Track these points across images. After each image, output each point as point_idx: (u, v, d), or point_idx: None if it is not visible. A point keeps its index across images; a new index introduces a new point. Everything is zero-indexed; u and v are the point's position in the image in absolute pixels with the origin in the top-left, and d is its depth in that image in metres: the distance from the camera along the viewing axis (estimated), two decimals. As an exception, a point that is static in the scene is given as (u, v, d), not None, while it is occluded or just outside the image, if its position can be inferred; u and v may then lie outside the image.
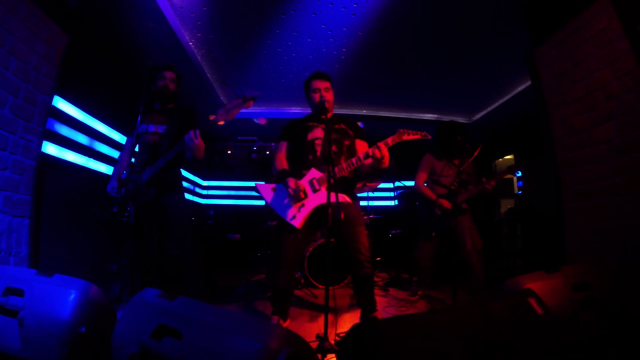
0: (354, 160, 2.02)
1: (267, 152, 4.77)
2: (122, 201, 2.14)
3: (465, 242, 2.68)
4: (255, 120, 2.00)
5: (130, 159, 2.26)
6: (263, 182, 2.29)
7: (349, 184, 2.17)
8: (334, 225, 2.04)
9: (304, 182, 2.07)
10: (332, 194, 1.73)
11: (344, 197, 2.02)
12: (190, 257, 2.18)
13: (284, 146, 2.27)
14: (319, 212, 2.03)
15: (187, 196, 5.21)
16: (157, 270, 2.19)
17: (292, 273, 2.11)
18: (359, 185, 3.74)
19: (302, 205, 2.03)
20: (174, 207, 2.22)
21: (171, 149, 2.07)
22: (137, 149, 2.27)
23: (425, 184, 3.02)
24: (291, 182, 2.02)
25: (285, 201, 2.07)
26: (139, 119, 1.94)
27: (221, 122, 1.94)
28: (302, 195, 2.02)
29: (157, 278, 2.18)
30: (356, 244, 2.07)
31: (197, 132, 1.98)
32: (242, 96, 1.92)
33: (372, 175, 2.31)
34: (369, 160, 1.99)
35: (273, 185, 2.16)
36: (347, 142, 2.18)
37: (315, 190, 2.05)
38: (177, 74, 2.34)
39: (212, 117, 1.95)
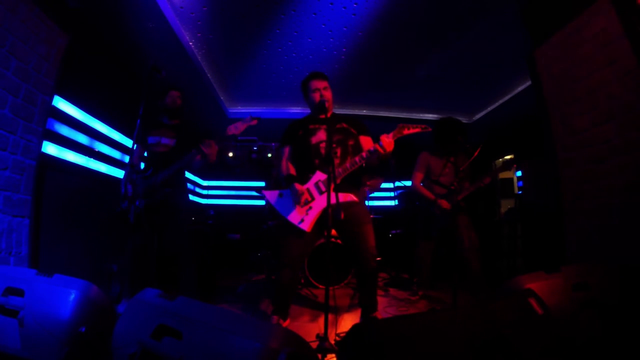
0: (357, 159, 2.02)
1: (269, 155, 4.80)
2: (130, 200, 2.21)
3: (462, 241, 2.69)
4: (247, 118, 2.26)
5: (138, 164, 2.48)
6: (264, 184, 2.38)
7: (354, 182, 2.16)
8: (338, 225, 2.05)
9: (310, 185, 2.08)
10: (333, 195, 1.74)
11: (350, 197, 2.03)
12: (187, 255, 2.32)
13: (287, 151, 2.26)
14: (326, 214, 2.04)
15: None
16: (157, 270, 2.22)
17: (296, 272, 2.12)
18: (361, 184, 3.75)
19: (310, 208, 2.04)
20: (179, 206, 2.37)
21: (186, 155, 2.29)
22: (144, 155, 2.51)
23: (422, 184, 3.03)
24: (297, 186, 2.05)
25: (293, 206, 2.08)
26: (138, 122, 1.95)
27: (231, 133, 2.28)
28: (308, 198, 2.03)
29: (157, 278, 2.20)
30: (363, 242, 2.07)
31: (210, 142, 2.30)
32: (250, 116, 2.27)
33: (379, 168, 2.33)
34: (374, 157, 2.01)
35: (280, 191, 2.17)
36: (351, 142, 2.17)
37: (321, 193, 2.06)
38: (182, 93, 2.57)
39: (228, 133, 2.26)
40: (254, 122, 2.23)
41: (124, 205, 2.27)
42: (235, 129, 2.22)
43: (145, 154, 2.51)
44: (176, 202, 2.36)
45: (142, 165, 2.53)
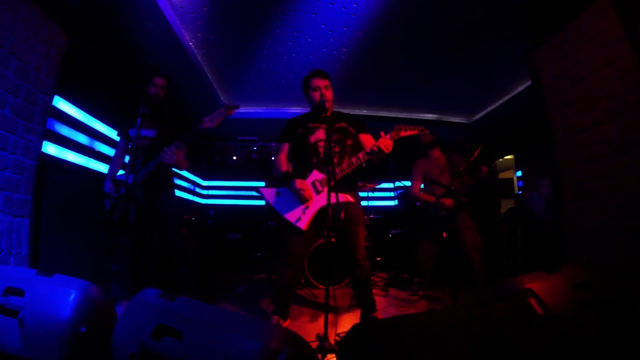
0: (354, 160, 2.03)
1: (272, 158, 4.83)
2: (118, 201, 2.19)
3: (465, 241, 2.69)
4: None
5: (123, 160, 2.33)
6: (264, 184, 2.34)
7: (351, 183, 2.17)
8: (335, 225, 2.06)
9: (307, 184, 2.08)
10: (332, 195, 1.74)
11: (346, 197, 2.03)
12: (181, 254, 2.25)
13: (285, 148, 2.26)
14: (322, 213, 2.04)
15: (186, 195, 5.24)
16: (157, 270, 2.21)
17: (297, 272, 2.12)
18: (359, 185, 3.75)
19: (307, 207, 2.05)
20: (164, 205, 2.27)
21: (159, 154, 2.15)
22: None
23: (423, 186, 3.05)
24: (298, 182, 2.04)
25: (290, 204, 2.08)
26: (138, 121, 1.94)
27: (206, 126, 2.06)
28: (307, 196, 2.03)
29: (157, 278, 2.20)
30: (354, 242, 2.08)
31: (173, 148, 2.06)
32: (226, 106, 2.04)
33: (377, 169, 2.32)
34: (372, 157, 2.01)
35: (277, 189, 2.17)
36: (349, 142, 2.18)
37: (318, 192, 2.06)
38: (168, 81, 2.38)
39: (201, 126, 2.06)
40: (232, 111, 2.06)
41: (107, 207, 2.25)
42: (210, 122, 2.04)
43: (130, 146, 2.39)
44: (162, 202, 2.26)
45: (127, 159, 2.42)
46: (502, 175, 5.95)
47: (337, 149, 2.12)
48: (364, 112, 4.86)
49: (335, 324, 2.21)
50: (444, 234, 2.82)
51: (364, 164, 2.04)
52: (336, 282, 3.42)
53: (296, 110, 4.71)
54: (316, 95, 2.15)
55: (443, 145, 3.12)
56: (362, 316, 2.19)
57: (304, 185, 2.04)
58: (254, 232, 4.82)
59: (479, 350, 0.94)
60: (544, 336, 1.07)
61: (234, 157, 6.18)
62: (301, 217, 2.03)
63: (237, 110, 2.11)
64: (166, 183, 2.36)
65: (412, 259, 3.04)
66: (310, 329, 2.24)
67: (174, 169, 2.33)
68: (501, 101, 4.38)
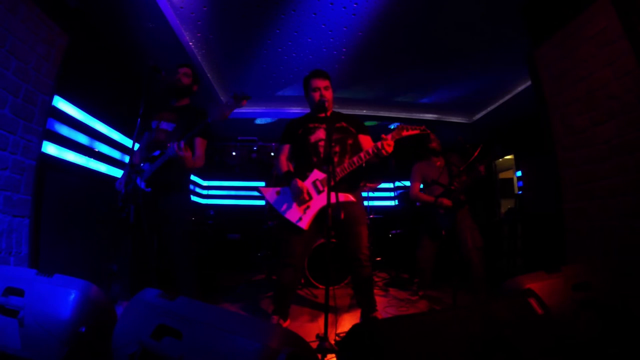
0: (355, 159, 2.03)
1: (271, 154, 4.82)
2: (125, 198, 2.15)
3: (466, 241, 2.69)
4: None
5: (138, 157, 2.27)
6: (264, 184, 2.31)
7: (352, 182, 2.16)
8: (336, 225, 2.05)
9: (307, 184, 2.08)
10: (333, 195, 1.74)
11: (347, 197, 2.03)
12: (182, 255, 2.17)
13: (286, 149, 2.26)
14: (323, 213, 2.04)
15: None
16: (157, 270, 2.20)
17: (298, 271, 2.11)
18: (360, 185, 3.76)
19: (308, 207, 2.04)
20: (172, 206, 2.18)
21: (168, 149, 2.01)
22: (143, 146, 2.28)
23: (422, 186, 3.06)
24: (298, 182, 2.04)
25: (291, 203, 2.08)
26: (138, 121, 1.93)
27: (216, 119, 1.93)
28: (306, 197, 2.03)
29: (157, 278, 2.19)
30: (357, 242, 2.08)
31: (182, 144, 1.90)
32: (234, 95, 1.86)
33: (377, 169, 2.32)
34: (373, 158, 2.01)
35: (277, 189, 2.17)
36: (350, 141, 2.18)
37: (319, 192, 2.06)
38: (193, 71, 2.33)
39: (210, 119, 1.95)
40: (243, 102, 1.86)
41: (119, 204, 2.19)
42: (220, 115, 1.89)
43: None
44: (164, 202, 2.15)
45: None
46: (502, 175, 5.96)
47: (337, 149, 2.12)
48: (364, 112, 4.86)
49: (335, 324, 2.21)
50: (443, 232, 2.83)
51: (364, 164, 2.04)
52: (336, 282, 3.41)
53: (296, 110, 4.71)
54: (316, 96, 2.15)
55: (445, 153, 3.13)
56: (362, 316, 2.19)
57: (303, 186, 2.04)
58: (254, 232, 4.82)
59: (479, 350, 0.94)
60: (544, 336, 1.07)
61: (234, 157, 6.18)
62: (302, 217, 2.03)
63: (236, 110, 2.06)
64: (177, 185, 2.20)
65: (413, 259, 3.05)
66: (310, 329, 2.24)
67: (182, 167, 2.13)
68: (501, 101, 4.39)
